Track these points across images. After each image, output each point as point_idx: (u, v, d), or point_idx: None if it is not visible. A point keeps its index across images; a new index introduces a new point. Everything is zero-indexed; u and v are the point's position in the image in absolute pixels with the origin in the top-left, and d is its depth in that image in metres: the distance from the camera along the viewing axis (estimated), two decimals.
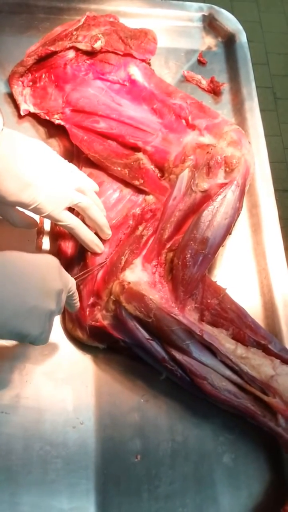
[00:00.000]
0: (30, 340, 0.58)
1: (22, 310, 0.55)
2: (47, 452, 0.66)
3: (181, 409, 0.71)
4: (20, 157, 0.63)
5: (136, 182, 0.78)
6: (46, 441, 0.67)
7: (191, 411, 0.70)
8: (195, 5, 1.03)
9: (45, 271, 0.58)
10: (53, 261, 0.61)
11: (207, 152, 0.77)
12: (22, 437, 0.66)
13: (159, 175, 0.79)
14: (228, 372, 0.67)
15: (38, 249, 0.78)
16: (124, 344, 0.69)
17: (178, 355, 0.67)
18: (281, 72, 2.18)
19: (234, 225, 0.75)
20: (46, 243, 0.78)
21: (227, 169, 0.76)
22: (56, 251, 0.76)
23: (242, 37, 1.00)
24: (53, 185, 0.65)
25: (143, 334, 0.67)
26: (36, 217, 0.72)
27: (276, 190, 0.87)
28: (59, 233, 0.76)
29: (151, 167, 0.79)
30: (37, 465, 0.65)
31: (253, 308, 0.78)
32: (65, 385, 0.70)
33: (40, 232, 0.78)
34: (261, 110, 0.93)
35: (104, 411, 0.69)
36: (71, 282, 0.64)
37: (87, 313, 0.70)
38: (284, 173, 1.94)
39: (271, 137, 1.99)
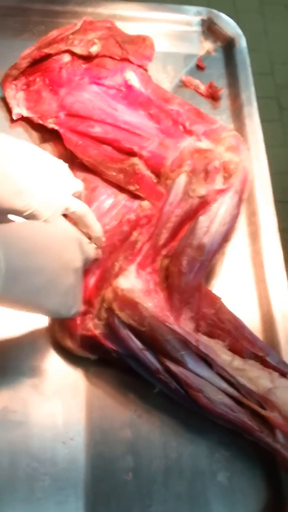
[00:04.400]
0: (58, 315, 0.60)
1: (39, 286, 0.54)
2: (35, 469, 0.63)
3: (175, 425, 0.67)
4: (11, 161, 0.61)
5: (131, 188, 0.76)
6: (33, 457, 0.64)
7: (185, 427, 0.67)
8: (194, 9, 1.01)
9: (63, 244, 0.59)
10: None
11: (205, 157, 0.75)
12: (8, 452, 0.63)
13: (155, 180, 0.77)
14: (224, 385, 0.64)
15: None
16: (116, 355, 0.67)
17: (173, 366, 0.64)
18: (286, 83, 2.17)
19: (232, 232, 0.73)
20: None
21: (225, 174, 0.74)
22: None
23: (242, 42, 0.99)
24: (48, 190, 0.62)
25: (136, 344, 0.65)
26: None
27: (281, 202, 0.85)
28: None
29: (146, 172, 0.77)
30: (23, 483, 0.62)
31: (251, 319, 0.75)
32: (54, 399, 0.67)
33: None
34: (266, 121, 0.91)
35: (95, 426, 0.66)
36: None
37: (78, 321, 0.67)
38: None
39: (276, 148, 1.98)
